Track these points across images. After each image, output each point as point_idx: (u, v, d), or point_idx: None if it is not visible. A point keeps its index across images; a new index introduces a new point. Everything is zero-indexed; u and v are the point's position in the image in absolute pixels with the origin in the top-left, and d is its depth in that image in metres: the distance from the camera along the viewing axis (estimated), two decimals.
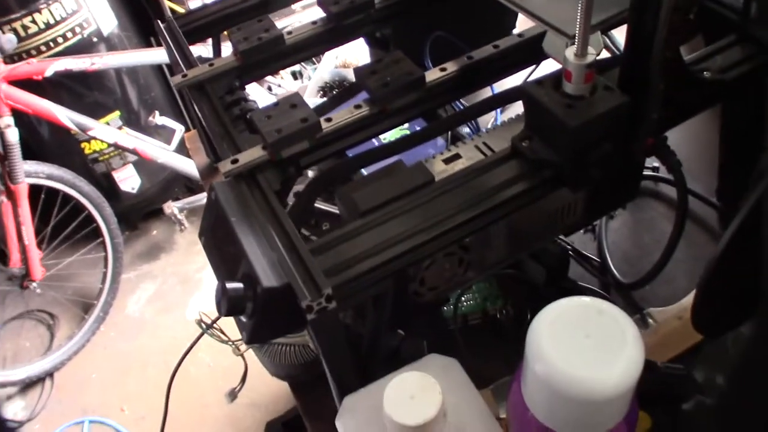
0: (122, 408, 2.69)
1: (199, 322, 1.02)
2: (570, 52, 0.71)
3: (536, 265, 1.04)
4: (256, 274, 0.69)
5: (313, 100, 1.42)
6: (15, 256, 2.57)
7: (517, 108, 0.87)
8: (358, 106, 0.87)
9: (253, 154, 0.82)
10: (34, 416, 2.72)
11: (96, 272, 2.90)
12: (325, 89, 1.45)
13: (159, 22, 1.09)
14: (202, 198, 3.04)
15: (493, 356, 1.02)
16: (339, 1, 1.01)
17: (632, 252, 1.13)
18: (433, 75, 0.89)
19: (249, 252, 0.71)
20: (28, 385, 2.78)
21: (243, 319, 0.72)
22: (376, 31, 1.11)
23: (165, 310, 3.00)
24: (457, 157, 0.87)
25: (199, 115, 0.95)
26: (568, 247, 1.11)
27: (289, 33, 1.02)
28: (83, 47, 2.54)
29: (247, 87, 1.03)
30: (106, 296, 2.87)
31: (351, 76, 1.43)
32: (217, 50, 1.13)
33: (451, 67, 0.90)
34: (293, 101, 0.85)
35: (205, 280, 3.04)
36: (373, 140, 1.03)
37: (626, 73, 0.76)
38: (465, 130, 1.24)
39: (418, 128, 1.09)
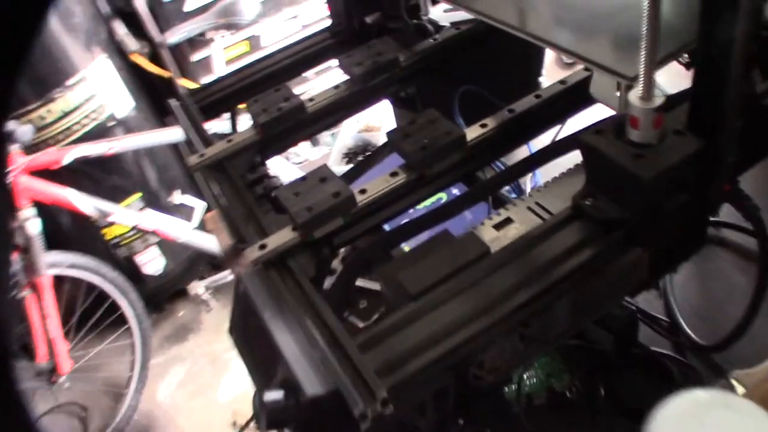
0: None
1: (234, 425, 0.92)
2: (634, 96, 0.62)
3: (602, 332, 0.93)
4: (298, 380, 0.59)
5: (338, 168, 1.34)
6: (42, 350, 2.48)
7: (561, 163, 0.79)
8: (394, 174, 0.78)
9: (282, 237, 0.74)
10: None
11: (124, 359, 2.80)
12: (349, 155, 1.38)
13: (172, 100, 1.03)
14: (226, 276, 2.97)
15: None
16: (362, 62, 0.94)
17: (703, 307, 1.02)
18: (473, 133, 0.80)
19: (287, 353, 0.62)
20: None
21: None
22: (402, 90, 1.04)
23: (197, 393, 2.88)
24: (508, 221, 0.78)
25: (220, 195, 0.87)
26: (633, 307, 1.00)
27: (311, 100, 0.95)
28: (100, 132, 2.52)
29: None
30: (137, 384, 2.76)
31: (375, 140, 1.36)
32: (233, 124, 1.07)
33: (491, 122, 0.82)
34: (322, 174, 0.77)
35: (235, 360, 2.93)
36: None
37: (697, 113, 0.67)
38: (505, 189, 1.15)
39: (456, 192, 1.00)
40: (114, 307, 2.66)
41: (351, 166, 1.35)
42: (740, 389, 0.90)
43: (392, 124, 1.37)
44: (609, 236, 0.67)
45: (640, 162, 0.62)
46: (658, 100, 0.62)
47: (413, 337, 0.62)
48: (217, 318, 3.20)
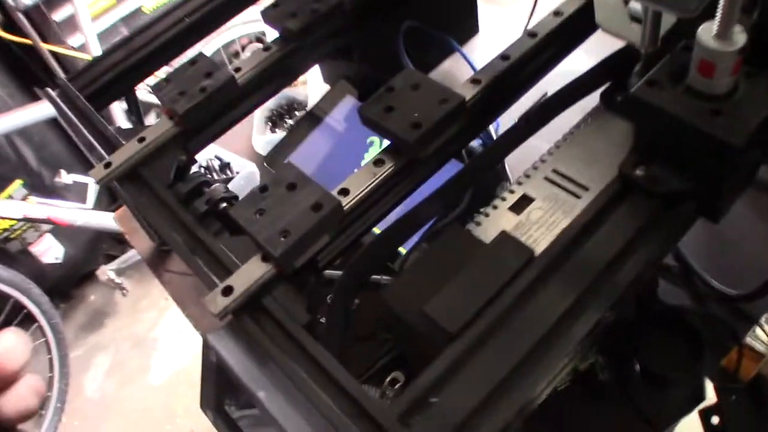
0: None
1: None
2: (707, 34, 0.47)
3: None
4: None
5: (265, 138, 1.13)
6: None
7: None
8: (379, 162, 0.60)
9: (250, 272, 0.55)
10: None
11: (41, 360, 2.56)
12: (274, 119, 1.17)
13: (47, 90, 0.79)
14: (136, 254, 2.73)
15: (599, 425, 0.80)
16: (297, 11, 0.73)
17: (716, 249, 0.91)
18: (467, 92, 0.63)
19: None
20: None
21: None
22: (346, 41, 0.84)
23: (127, 381, 2.68)
24: (527, 200, 0.62)
25: (144, 215, 0.66)
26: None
27: (237, 70, 0.74)
28: None
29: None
30: (59, 383, 2.53)
31: (301, 97, 1.15)
32: (135, 111, 0.84)
33: (484, 76, 0.64)
34: (289, 179, 0.58)
35: (161, 339, 2.74)
36: None
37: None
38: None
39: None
40: (18, 307, 2.40)
41: (279, 133, 1.14)
42: None
43: (317, 77, 1.17)
44: (675, 213, 0.53)
45: (720, 121, 0.47)
46: (741, 38, 0.46)
47: (469, 392, 0.47)
48: (133, 297, 2.98)
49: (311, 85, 1.14)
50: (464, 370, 0.48)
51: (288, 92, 1.18)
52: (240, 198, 0.61)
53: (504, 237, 0.54)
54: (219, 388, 0.54)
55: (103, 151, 0.72)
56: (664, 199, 0.53)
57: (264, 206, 0.56)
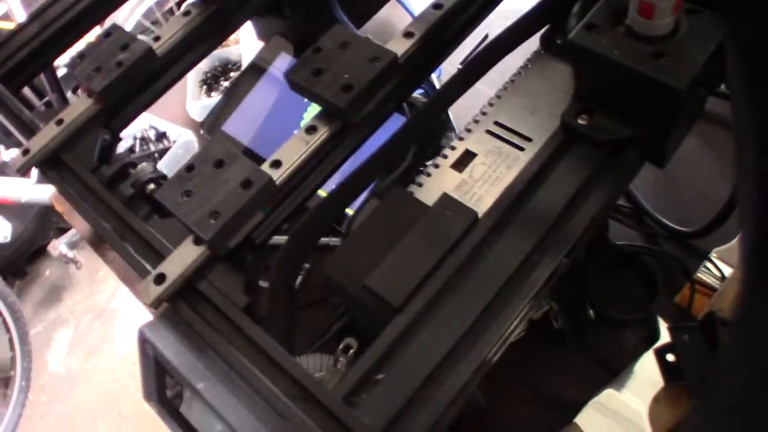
0: None
1: None
2: None
3: None
4: None
5: (201, 103, 1.08)
6: None
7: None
8: (311, 129, 0.57)
9: (183, 256, 0.52)
10: None
11: (1, 340, 2.50)
12: (208, 81, 1.11)
13: None
14: None
15: (555, 372, 0.80)
16: None
17: (660, 182, 0.91)
18: (399, 47, 0.59)
19: None
20: None
21: None
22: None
23: (92, 353, 2.65)
24: (470, 155, 0.60)
25: (71, 203, 0.62)
26: None
27: (157, 39, 0.69)
28: None
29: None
30: (22, 362, 2.49)
31: (235, 57, 1.10)
32: (56, 89, 0.78)
33: (417, 28, 0.61)
34: (215, 156, 0.54)
35: (122, 308, 2.69)
36: None
37: None
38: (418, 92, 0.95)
39: None
40: None
41: (215, 96, 1.09)
42: (727, 269, 0.81)
43: (250, 35, 1.11)
44: (621, 160, 0.51)
45: (662, 63, 0.45)
46: None
47: (417, 367, 0.45)
48: (88, 269, 2.92)
49: (245, 44, 1.08)
50: (411, 342, 0.46)
51: (221, 53, 1.12)
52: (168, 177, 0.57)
53: (445, 199, 0.51)
54: (159, 379, 0.51)
55: (20, 137, 0.67)
56: (609, 147, 0.51)
57: (191, 187, 0.53)
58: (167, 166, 0.97)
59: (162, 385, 0.52)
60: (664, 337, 0.78)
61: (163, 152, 0.98)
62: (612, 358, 0.79)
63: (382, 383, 0.45)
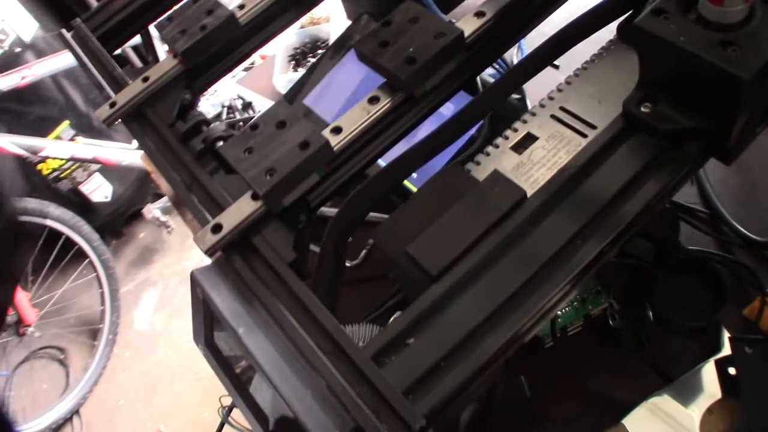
0: (159, 429, 2.51)
1: (222, 411, 0.77)
2: None
3: (639, 241, 0.78)
4: (302, 423, 0.43)
5: (287, 77, 1.12)
6: None
7: None
8: (373, 100, 0.58)
9: (240, 210, 0.55)
10: None
11: (93, 294, 2.67)
12: (297, 57, 1.15)
13: (63, 32, 0.79)
14: None
15: (609, 371, 0.78)
16: None
17: (744, 190, 0.87)
18: (469, 26, 0.60)
19: (279, 384, 0.45)
20: (56, 430, 2.59)
21: None
22: None
23: (175, 315, 2.78)
24: (531, 138, 0.60)
25: (149, 155, 0.66)
26: (667, 204, 0.84)
27: (242, 7, 0.72)
28: (9, 62, 2.21)
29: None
30: (110, 316, 2.65)
31: (324, 35, 1.13)
32: (150, 50, 0.83)
33: (489, 8, 0.61)
34: (278, 116, 0.56)
35: None
36: None
37: None
38: (488, 73, 0.94)
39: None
40: (70, 243, 2.49)
41: (301, 72, 1.12)
42: None
43: (340, 13, 1.14)
44: (681, 152, 0.50)
45: (729, 52, 0.44)
46: None
47: (445, 335, 0.46)
48: (180, 235, 3.06)
49: (334, 23, 1.11)
50: (444, 311, 0.47)
51: (310, 30, 1.15)
52: None
53: (496, 175, 0.52)
54: (207, 322, 0.54)
55: (111, 91, 0.72)
56: (670, 138, 0.50)
57: (253, 144, 0.55)
58: None
59: (210, 328, 0.55)
60: (728, 349, 0.75)
61: (247, 121, 1.02)
62: (669, 364, 0.77)
63: (410, 347, 0.46)
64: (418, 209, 0.53)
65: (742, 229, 0.81)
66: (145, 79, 0.68)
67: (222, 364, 0.55)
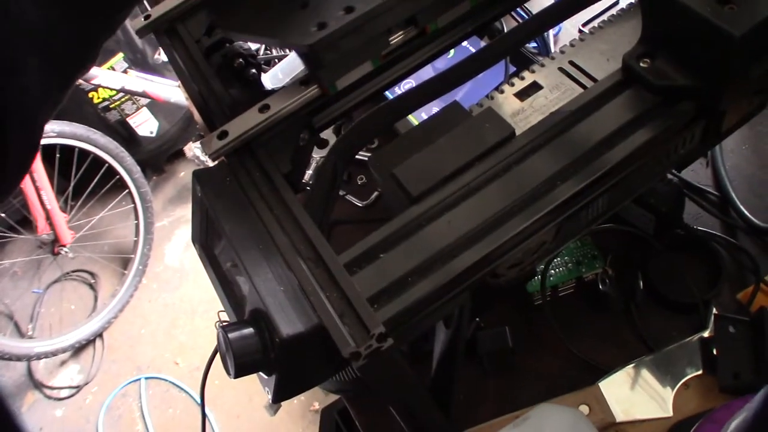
0: (176, 361, 2.60)
1: (219, 325, 0.81)
2: None
3: (641, 211, 0.79)
4: (271, 315, 0.46)
5: None
6: (41, 223, 2.42)
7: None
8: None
9: (247, 120, 0.58)
10: (91, 379, 2.65)
11: (128, 224, 2.75)
12: None
13: None
14: None
15: (594, 335, 0.79)
16: None
17: (759, 178, 0.86)
18: None
19: (255, 277, 0.48)
20: (79, 349, 2.70)
21: (262, 374, 0.50)
22: None
23: None
24: (535, 87, 0.61)
25: (174, 68, 0.70)
26: (675, 179, 0.84)
27: None
28: None
29: None
30: (143, 248, 2.73)
31: None
32: None
33: None
34: None
35: None
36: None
37: None
38: (529, 47, 0.95)
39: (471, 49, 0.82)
40: (110, 173, 2.58)
41: None
42: None
43: None
44: (673, 109, 0.50)
45: (726, 11, 0.44)
46: None
47: (418, 251, 0.48)
48: None
49: None
50: (419, 231, 0.49)
51: None
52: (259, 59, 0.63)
53: (488, 112, 0.53)
54: (203, 222, 0.58)
55: (147, 5, 0.75)
56: (664, 94, 0.51)
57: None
58: (282, 70, 1.04)
59: (206, 227, 0.58)
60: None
61: (281, 58, 1.05)
62: (655, 335, 0.78)
63: (382, 259, 0.49)
64: (412, 138, 0.55)
65: (749, 215, 0.80)
66: None
67: (213, 262, 0.58)
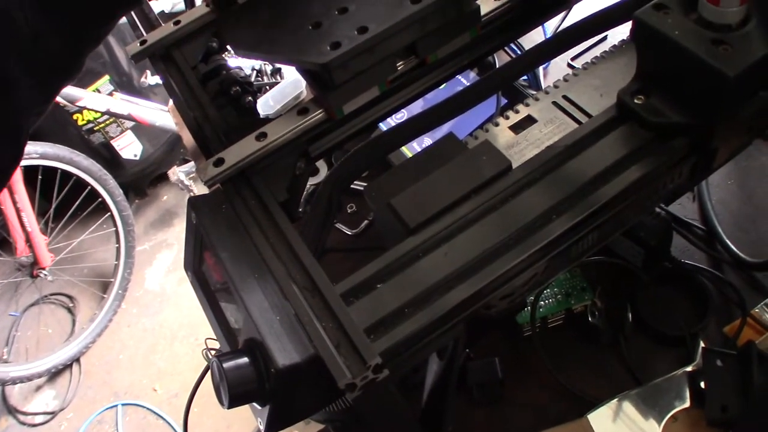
0: (154, 388, 2.55)
1: (206, 352, 0.80)
2: None
3: (630, 244, 0.80)
4: (267, 345, 0.46)
5: None
6: (20, 245, 2.38)
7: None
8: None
9: (243, 148, 0.58)
10: (66, 405, 2.59)
11: (109, 248, 2.72)
12: None
13: None
14: None
15: (583, 366, 0.80)
16: None
17: (744, 212, 0.88)
18: (486, 6, 0.62)
19: (251, 307, 0.48)
20: (55, 374, 2.65)
21: (255, 405, 0.50)
22: None
23: (186, 280, 2.81)
24: (530, 120, 0.62)
25: (171, 92, 0.70)
26: (662, 213, 0.85)
27: None
28: None
29: None
30: (123, 272, 2.70)
31: None
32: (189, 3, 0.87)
33: None
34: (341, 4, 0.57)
35: None
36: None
37: None
38: (521, 81, 0.97)
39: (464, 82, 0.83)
40: (93, 195, 2.55)
41: None
42: None
43: None
44: (666, 146, 0.51)
45: (721, 52, 0.45)
46: None
47: (415, 283, 0.48)
48: None
49: None
50: (415, 263, 0.49)
51: None
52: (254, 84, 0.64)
53: (486, 145, 0.54)
54: (197, 249, 0.57)
55: (144, 31, 0.75)
56: (658, 131, 0.52)
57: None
58: (274, 98, 1.04)
59: (199, 255, 0.58)
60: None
61: (272, 86, 1.06)
62: (643, 368, 0.78)
63: (378, 290, 0.49)
64: (408, 169, 0.56)
65: (735, 249, 0.82)
66: (177, 23, 0.72)
67: (205, 290, 0.58)
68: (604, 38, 1.03)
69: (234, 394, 0.46)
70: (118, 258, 2.72)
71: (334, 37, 0.51)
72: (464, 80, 0.95)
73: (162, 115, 2.44)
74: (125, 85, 2.56)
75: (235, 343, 0.53)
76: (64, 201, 2.54)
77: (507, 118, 0.63)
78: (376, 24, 0.51)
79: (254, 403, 0.50)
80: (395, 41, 0.53)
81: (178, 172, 2.64)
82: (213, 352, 0.80)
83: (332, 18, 0.54)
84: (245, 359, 0.47)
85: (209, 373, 0.49)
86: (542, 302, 0.81)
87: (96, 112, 2.45)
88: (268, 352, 0.46)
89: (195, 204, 0.55)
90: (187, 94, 0.67)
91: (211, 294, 0.58)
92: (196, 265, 0.59)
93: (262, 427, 0.51)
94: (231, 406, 0.47)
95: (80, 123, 2.56)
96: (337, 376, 0.44)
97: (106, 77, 2.50)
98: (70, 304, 2.86)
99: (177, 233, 3.06)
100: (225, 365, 0.46)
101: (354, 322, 0.46)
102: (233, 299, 0.51)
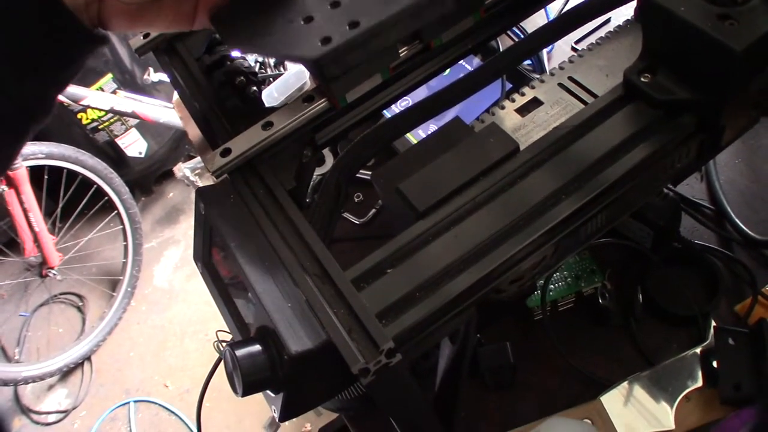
0: (165, 384, 2.57)
1: (217, 344, 0.81)
2: None
3: (639, 225, 0.79)
4: (279, 332, 0.46)
5: None
6: (29, 245, 2.39)
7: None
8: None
9: (250, 137, 0.58)
10: (79, 403, 2.61)
11: (117, 246, 2.73)
12: None
13: None
14: None
15: (594, 349, 0.79)
16: None
17: (752, 191, 0.87)
18: None
19: (262, 294, 0.48)
20: (67, 373, 2.67)
21: (269, 392, 0.50)
22: None
23: (194, 276, 2.83)
24: (536, 102, 0.62)
25: (176, 83, 0.70)
26: (671, 193, 0.85)
27: None
28: None
29: None
30: (131, 269, 2.71)
31: None
32: None
33: None
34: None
35: None
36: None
37: None
38: (525, 65, 0.96)
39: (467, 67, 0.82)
40: (99, 194, 2.56)
41: None
42: None
43: None
44: (674, 123, 0.51)
45: (728, 27, 0.45)
46: None
47: (425, 267, 0.48)
48: None
49: None
50: (425, 246, 0.49)
51: None
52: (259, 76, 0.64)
53: (492, 128, 0.54)
54: (206, 240, 0.58)
55: None
56: (665, 108, 0.52)
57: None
58: (278, 89, 1.04)
59: (208, 245, 0.58)
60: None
61: (276, 77, 1.05)
62: (654, 349, 0.78)
63: (389, 275, 0.49)
64: (415, 154, 0.56)
65: (745, 228, 0.81)
66: None
67: (215, 280, 0.58)
68: (608, 21, 1.03)
69: (248, 382, 0.46)
70: (126, 256, 2.73)
71: (325, 31, 0.50)
72: (468, 66, 0.94)
73: (166, 111, 2.44)
74: (128, 82, 2.56)
75: (246, 332, 0.53)
76: (70, 200, 2.55)
77: (513, 101, 0.62)
78: (368, 18, 0.50)
79: (268, 391, 0.50)
80: (391, 34, 0.52)
81: (183, 169, 2.64)
82: (224, 344, 0.80)
83: (325, 12, 0.52)
84: (258, 347, 0.47)
85: (220, 367, 0.49)
86: (552, 285, 0.80)
87: (100, 110, 2.46)
88: (280, 339, 0.46)
89: (203, 194, 0.55)
90: (192, 86, 0.66)
91: (221, 284, 0.58)
92: (205, 256, 0.59)
93: (276, 415, 0.51)
94: (245, 394, 0.47)
95: (85, 122, 2.56)
96: (350, 362, 0.44)
97: (109, 75, 2.50)
98: (80, 303, 2.88)
99: (184, 230, 3.07)
100: (238, 353, 0.46)
101: (366, 307, 0.46)
102: (244, 289, 0.51)
